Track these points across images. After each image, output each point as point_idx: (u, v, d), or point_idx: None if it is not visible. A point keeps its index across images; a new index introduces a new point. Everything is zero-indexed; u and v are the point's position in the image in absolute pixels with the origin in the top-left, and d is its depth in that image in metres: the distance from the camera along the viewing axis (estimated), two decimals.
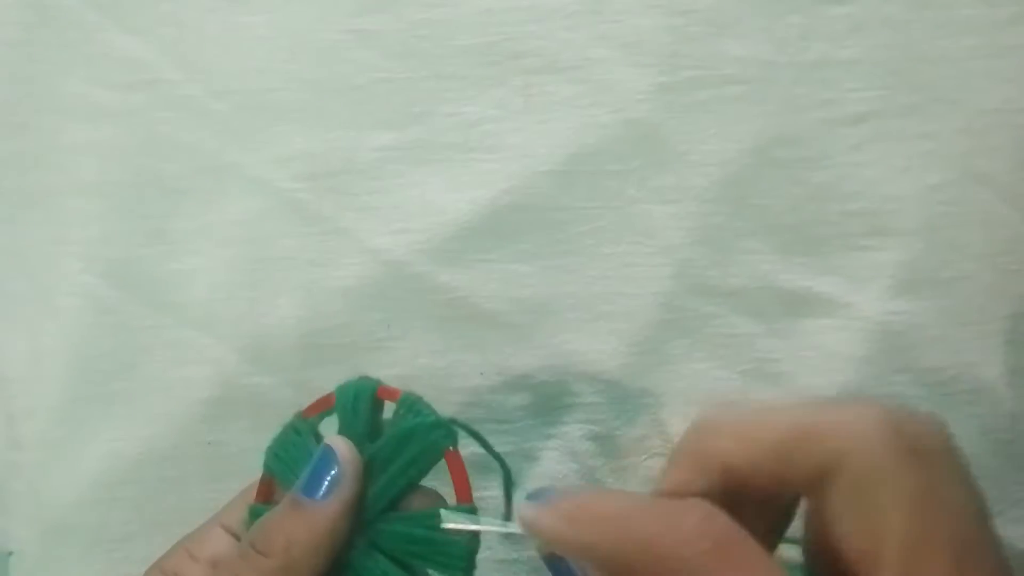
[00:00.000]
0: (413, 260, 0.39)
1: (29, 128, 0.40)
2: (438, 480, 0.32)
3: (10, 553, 0.40)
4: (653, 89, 0.39)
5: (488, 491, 0.36)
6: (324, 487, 0.30)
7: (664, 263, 0.39)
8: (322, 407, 0.34)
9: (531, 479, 0.39)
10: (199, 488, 0.39)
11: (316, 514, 0.30)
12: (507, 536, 0.38)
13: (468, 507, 0.31)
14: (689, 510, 0.25)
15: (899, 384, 0.38)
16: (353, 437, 0.32)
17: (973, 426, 0.38)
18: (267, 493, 0.33)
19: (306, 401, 0.39)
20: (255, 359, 0.39)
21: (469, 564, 0.31)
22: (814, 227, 0.39)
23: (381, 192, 0.39)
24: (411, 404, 0.33)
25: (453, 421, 0.33)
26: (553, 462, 0.39)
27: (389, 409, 0.33)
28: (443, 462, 0.32)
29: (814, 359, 0.39)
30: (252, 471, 0.39)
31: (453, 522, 0.31)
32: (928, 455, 0.25)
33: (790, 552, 0.29)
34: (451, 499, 0.32)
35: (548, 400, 0.39)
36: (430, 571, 0.32)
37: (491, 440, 0.39)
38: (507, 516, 0.35)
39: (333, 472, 0.30)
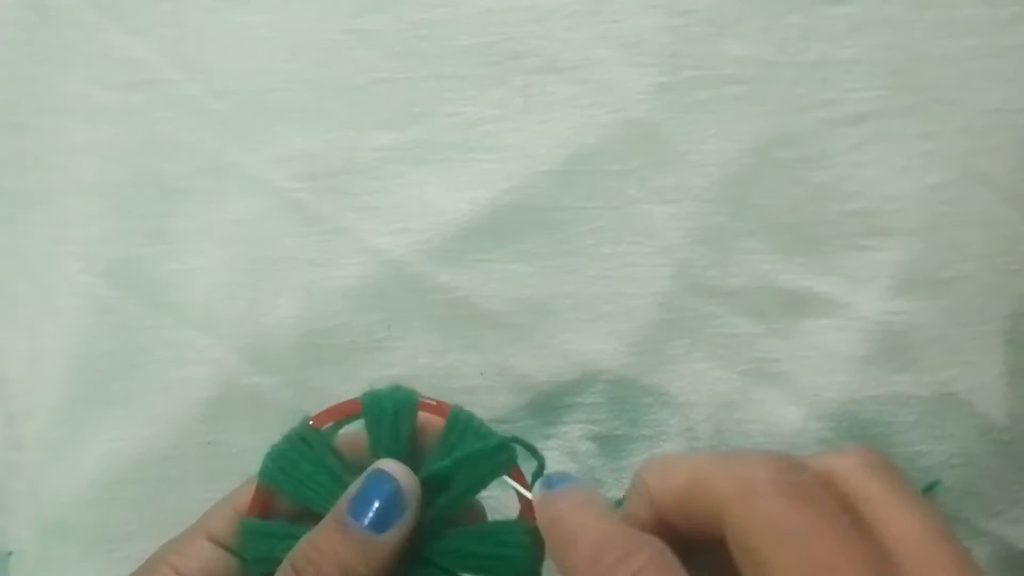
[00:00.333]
0: (413, 260, 0.39)
1: (29, 128, 0.40)
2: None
3: (10, 553, 0.40)
4: (653, 89, 0.39)
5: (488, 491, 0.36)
6: (375, 513, 0.29)
7: (664, 263, 0.39)
8: (337, 416, 0.32)
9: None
10: (199, 488, 0.39)
11: (375, 546, 0.29)
12: None
13: (533, 526, 0.31)
14: (643, 546, 0.26)
15: (899, 384, 0.38)
16: (392, 457, 0.31)
17: (973, 426, 0.38)
18: (264, 506, 0.32)
19: (306, 402, 0.39)
20: (255, 359, 0.39)
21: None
22: (814, 227, 0.39)
23: (381, 192, 0.39)
24: (467, 422, 0.32)
25: (514, 439, 0.32)
26: (553, 462, 0.39)
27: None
28: None
29: (814, 359, 0.39)
30: (252, 471, 0.39)
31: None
32: (808, 494, 0.25)
33: None
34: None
35: (548, 400, 0.39)
36: None
37: None
38: None
39: (393, 502, 0.29)
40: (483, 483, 0.32)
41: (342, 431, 0.33)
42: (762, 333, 0.39)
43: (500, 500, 0.36)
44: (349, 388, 0.39)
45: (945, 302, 0.38)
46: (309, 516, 0.31)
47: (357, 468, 0.31)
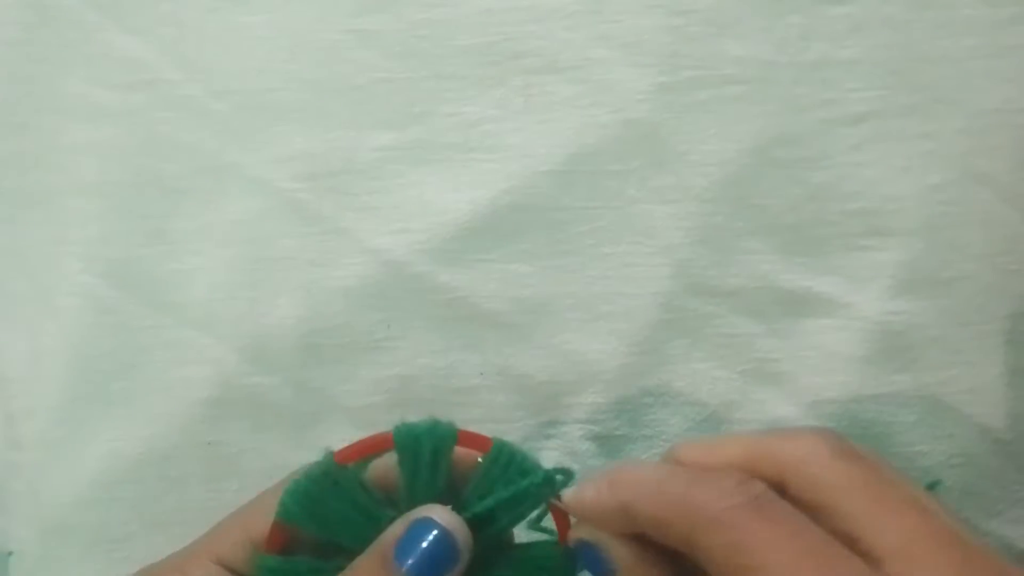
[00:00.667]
0: (413, 260, 0.39)
1: (29, 128, 0.40)
2: None
3: (10, 553, 0.40)
4: (653, 89, 0.39)
5: None
6: (427, 564, 0.28)
7: (664, 263, 0.39)
8: (365, 452, 0.31)
9: None
10: (199, 488, 0.39)
11: None
12: None
13: (569, 549, 0.30)
14: (727, 473, 0.27)
15: (899, 384, 0.38)
16: (430, 496, 0.30)
17: (973, 426, 0.38)
18: (281, 542, 0.30)
19: (306, 402, 0.39)
20: (255, 359, 0.39)
21: None
22: (814, 227, 0.39)
23: (381, 192, 0.39)
24: (510, 458, 0.31)
25: (559, 471, 0.31)
26: (553, 462, 0.39)
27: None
28: None
29: (814, 359, 0.39)
30: (252, 471, 0.39)
31: None
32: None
33: None
34: None
35: (548, 400, 0.39)
36: None
37: None
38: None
39: (445, 555, 0.28)
40: (525, 516, 0.31)
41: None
42: (762, 333, 0.39)
43: None
44: (349, 388, 0.39)
45: (945, 302, 0.38)
46: (332, 549, 0.30)
47: (388, 502, 0.30)
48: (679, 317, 0.39)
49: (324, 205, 0.39)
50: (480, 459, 0.31)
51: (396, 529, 0.29)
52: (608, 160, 0.39)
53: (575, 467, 0.39)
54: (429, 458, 0.30)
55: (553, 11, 0.39)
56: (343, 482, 0.30)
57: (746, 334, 0.39)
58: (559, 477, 0.31)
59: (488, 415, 0.39)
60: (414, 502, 0.30)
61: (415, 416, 0.37)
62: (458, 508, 0.30)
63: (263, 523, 0.31)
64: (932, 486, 0.38)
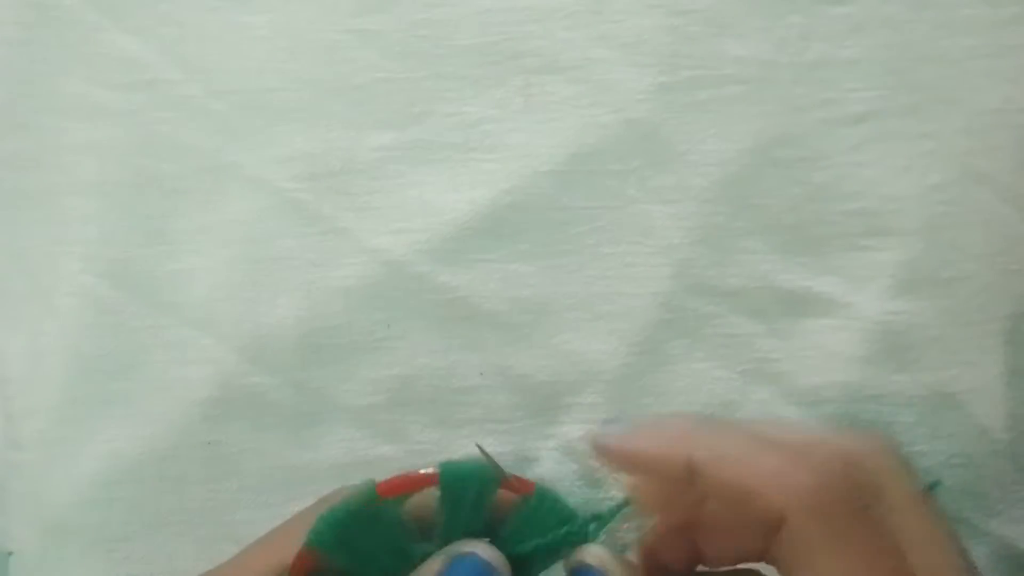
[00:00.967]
0: (413, 260, 0.39)
1: (28, 128, 0.40)
2: None
3: (10, 553, 0.40)
4: (653, 89, 0.39)
5: None
6: None
7: (664, 263, 0.39)
8: (408, 488, 0.30)
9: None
10: (199, 488, 0.39)
11: None
12: None
13: None
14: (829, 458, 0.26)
15: (899, 384, 0.38)
16: (467, 536, 0.29)
17: (973, 426, 0.38)
18: (307, 569, 0.29)
19: (306, 402, 0.39)
20: (255, 359, 0.39)
21: None
22: (814, 227, 0.39)
23: (381, 192, 0.39)
24: (552, 504, 0.31)
25: (597, 517, 0.31)
26: (553, 462, 0.39)
27: None
28: None
29: (814, 359, 0.39)
30: (251, 471, 0.39)
31: None
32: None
33: None
34: None
35: (548, 400, 0.39)
36: None
37: (490, 440, 0.39)
38: None
39: None
40: (560, 556, 0.30)
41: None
42: (762, 333, 0.39)
43: None
44: (349, 388, 0.39)
45: (945, 302, 0.38)
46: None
47: (421, 536, 0.30)
48: (679, 317, 0.39)
49: (324, 205, 0.39)
50: (521, 500, 0.31)
51: (435, 564, 0.29)
52: (608, 160, 0.39)
53: (575, 467, 0.39)
54: (473, 499, 0.30)
55: (553, 11, 0.39)
56: (383, 516, 0.29)
57: (746, 334, 0.39)
58: (592, 526, 0.30)
59: (488, 415, 0.39)
60: (451, 540, 0.30)
61: (421, 418, 0.37)
62: (495, 544, 0.30)
63: (295, 549, 0.30)
64: (932, 486, 0.38)
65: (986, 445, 0.38)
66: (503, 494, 0.31)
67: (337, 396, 0.39)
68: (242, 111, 0.40)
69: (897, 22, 0.38)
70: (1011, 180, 0.38)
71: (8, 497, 0.40)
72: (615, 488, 0.33)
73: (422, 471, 0.30)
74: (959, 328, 0.38)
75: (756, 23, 0.38)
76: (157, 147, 0.40)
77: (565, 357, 0.39)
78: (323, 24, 0.40)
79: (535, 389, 0.39)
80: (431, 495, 0.30)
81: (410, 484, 0.30)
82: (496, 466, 0.31)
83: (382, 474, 0.31)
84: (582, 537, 0.30)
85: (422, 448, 0.39)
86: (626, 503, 0.31)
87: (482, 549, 0.29)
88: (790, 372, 0.39)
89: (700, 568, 0.30)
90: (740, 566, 0.29)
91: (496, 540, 0.30)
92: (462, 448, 0.39)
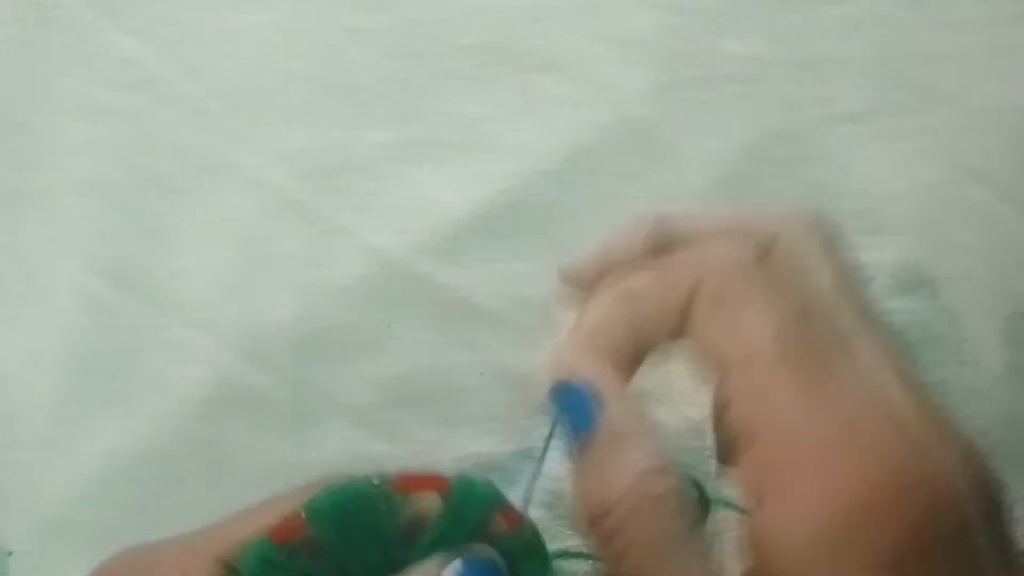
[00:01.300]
0: (413, 260, 0.39)
1: (27, 127, 0.40)
2: None
3: (10, 553, 0.40)
4: (652, 88, 0.39)
5: None
6: None
7: None
8: (420, 488, 0.29)
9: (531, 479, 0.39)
10: (197, 487, 0.39)
11: None
12: None
13: None
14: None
15: None
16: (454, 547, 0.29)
17: (973, 426, 0.38)
18: (289, 537, 0.28)
19: (305, 401, 0.39)
20: (254, 358, 0.39)
21: None
22: None
23: (380, 191, 0.39)
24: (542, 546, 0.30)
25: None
26: (553, 462, 0.39)
27: None
28: None
29: None
30: (250, 470, 0.39)
31: None
32: None
33: None
34: None
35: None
36: None
37: (490, 440, 0.39)
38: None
39: None
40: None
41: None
42: None
43: None
44: (348, 387, 0.39)
45: (945, 302, 0.38)
46: (329, 568, 0.30)
47: (409, 539, 0.29)
48: None
49: (323, 204, 0.39)
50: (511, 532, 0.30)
51: (454, 562, 0.28)
52: (607, 159, 0.39)
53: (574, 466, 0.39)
54: (476, 515, 0.29)
55: (552, 10, 0.39)
56: (386, 509, 0.29)
57: None
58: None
59: (488, 415, 0.39)
60: (441, 549, 0.30)
61: (420, 418, 0.37)
62: None
63: (273, 524, 0.30)
64: None
65: (986, 445, 0.38)
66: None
67: (336, 395, 0.39)
68: (241, 110, 0.40)
69: (895, 21, 0.38)
70: (1009, 178, 0.38)
71: (6, 496, 0.40)
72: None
73: (436, 474, 0.30)
74: (959, 328, 0.38)
75: (755, 22, 0.39)
76: (156, 146, 0.40)
77: None
78: (322, 24, 0.40)
79: (535, 389, 0.39)
80: (432, 502, 0.30)
81: (420, 484, 0.29)
82: (502, 495, 0.30)
83: None
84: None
85: (421, 447, 0.39)
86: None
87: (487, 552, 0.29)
88: None
89: None
90: None
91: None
92: (462, 448, 0.39)
